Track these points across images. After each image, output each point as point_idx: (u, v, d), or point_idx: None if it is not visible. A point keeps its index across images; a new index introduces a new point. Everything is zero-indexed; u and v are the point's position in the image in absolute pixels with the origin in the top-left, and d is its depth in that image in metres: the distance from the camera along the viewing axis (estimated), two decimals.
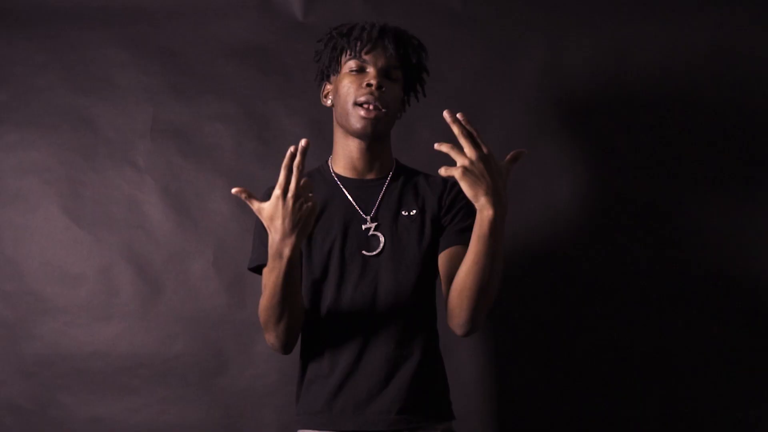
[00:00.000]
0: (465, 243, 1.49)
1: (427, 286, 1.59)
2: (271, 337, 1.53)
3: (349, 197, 1.62)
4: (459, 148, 1.39)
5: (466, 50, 2.08)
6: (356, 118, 1.56)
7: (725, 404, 1.96)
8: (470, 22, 2.09)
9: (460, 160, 1.37)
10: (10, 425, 1.97)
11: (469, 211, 1.56)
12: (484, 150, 1.38)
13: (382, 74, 1.58)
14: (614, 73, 2.06)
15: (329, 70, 1.65)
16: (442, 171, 1.38)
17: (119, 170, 2.06)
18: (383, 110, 1.56)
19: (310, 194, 1.40)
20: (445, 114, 1.37)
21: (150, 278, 2.02)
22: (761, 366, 1.97)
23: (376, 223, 1.59)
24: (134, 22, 2.10)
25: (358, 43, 1.58)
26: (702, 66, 2.06)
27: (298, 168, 1.35)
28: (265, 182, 2.04)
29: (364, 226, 1.58)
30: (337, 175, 1.65)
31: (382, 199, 1.61)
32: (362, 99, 1.56)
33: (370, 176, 1.64)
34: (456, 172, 1.37)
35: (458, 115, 1.38)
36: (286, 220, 1.36)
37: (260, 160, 2.05)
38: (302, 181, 1.37)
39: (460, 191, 1.57)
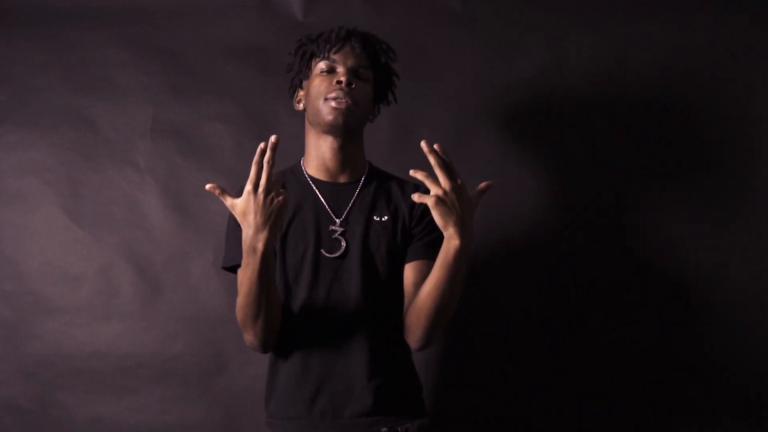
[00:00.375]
0: (431, 258, 1.53)
1: (396, 290, 1.60)
2: (249, 336, 1.53)
3: (322, 199, 1.63)
4: (434, 177, 1.42)
5: (466, 50, 2.08)
6: (327, 110, 1.58)
7: (724, 404, 1.97)
8: (470, 22, 2.09)
9: (434, 190, 1.41)
10: (10, 425, 1.97)
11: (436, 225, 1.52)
12: (458, 181, 1.41)
13: (352, 73, 1.60)
14: (614, 73, 2.06)
15: (300, 76, 1.69)
16: (416, 197, 1.42)
17: (119, 170, 2.06)
18: (353, 104, 1.58)
19: (282, 189, 1.43)
20: (423, 144, 1.40)
21: (150, 278, 2.02)
22: (760, 364, 1.98)
23: (342, 228, 1.60)
24: (134, 22, 2.10)
25: (327, 45, 1.61)
26: (702, 66, 2.06)
27: (268, 163, 1.39)
28: None
29: (331, 227, 1.60)
30: (310, 177, 1.66)
31: (354, 202, 1.63)
32: (333, 95, 1.58)
33: (343, 179, 1.65)
34: (429, 201, 1.40)
35: (435, 146, 1.41)
36: (258, 215, 1.39)
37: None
38: (273, 176, 1.41)
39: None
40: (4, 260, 2.03)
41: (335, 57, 1.61)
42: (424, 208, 1.61)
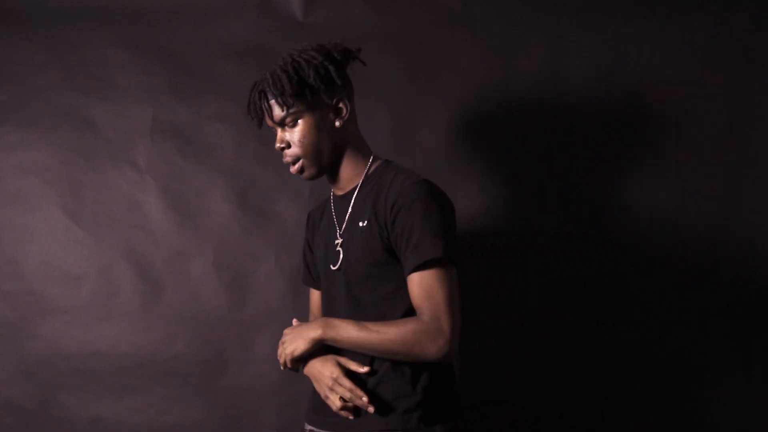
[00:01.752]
0: (416, 269, 1.47)
1: (386, 297, 1.54)
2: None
3: (333, 212, 1.67)
4: None
5: (466, 50, 2.08)
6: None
7: (724, 403, 1.97)
8: (470, 22, 2.08)
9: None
10: (11, 425, 1.97)
11: (406, 220, 1.49)
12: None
13: (282, 131, 1.61)
14: (614, 73, 2.06)
15: None
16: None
17: (119, 170, 2.06)
18: (301, 160, 1.60)
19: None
20: None
21: (150, 278, 2.02)
22: (758, 364, 1.98)
23: (342, 239, 1.61)
24: (134, 22, 2.10)
25: (253, 120, 1.65)
26: (702, 66, 2.06)
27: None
28: (265, 182, 2.05)
29: (335, 241, 1.63)
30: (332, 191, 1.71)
31: (350, 213, 1.62)
32: (284, 160, 1.63)
33: (339, 192, 1.67)
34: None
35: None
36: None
37: (260, 160, 2.05)
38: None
39: (403, 204, 1.50)
40: (5, 260, 2.04)
41: (266, 123, 1.64)
42: (399, 207, 1.50)
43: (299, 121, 1.58)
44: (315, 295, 1.80)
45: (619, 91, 2.06)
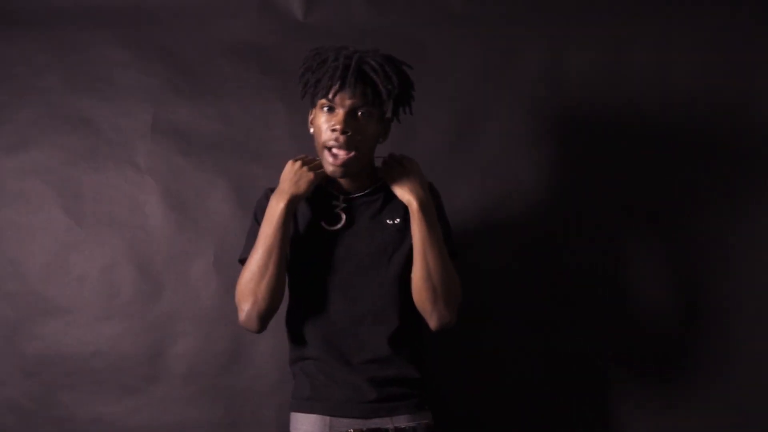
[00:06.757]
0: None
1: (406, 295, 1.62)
2: (246, 304, 1.57)
3: (335, 207, 1.67)
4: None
5: (466, 50, 2.08)
6: (327, 162, 1.60)
7: (722, 403, 1.97)
8: (470, 22, 2.08)
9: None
10: (11, 425, 1.98)
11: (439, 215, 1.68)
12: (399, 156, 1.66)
13: (350, 116, 1.56)
14: (614, 73, 2.06)
15: (308, 98, 1.65)
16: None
17: (120, 170, 2.07)
18: (351, 153, 1.57)
19: (319, 170, 1.62)
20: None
21: (151, 278, 2.03)
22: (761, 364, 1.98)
23: (345, 204, 1.66)
24: (134, 22, 2.10)
25: (324, 85, 1.56)
26: (702, 66, 2.06)
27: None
28: (265, 182, 2.04)
29: (335, 208, 1.67)
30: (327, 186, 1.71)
31: (364, 207, 1.66)
32: (330, 143, 1.57)
33: (354, 194, 1.68)
34: (379, 163, 1.66)
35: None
36: (286, 181, 1.61)
37: (260, 160, 2.05)
38: (313, 161, 1.64)
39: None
40: (6, 260, 2.04)
41: (334, 98, 1.57)
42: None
43: (370, 121, 1.59)
44: None
45: (619, 91, 2.06)
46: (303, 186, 1.59)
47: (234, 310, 1.99)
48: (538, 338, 1.99)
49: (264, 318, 1.58)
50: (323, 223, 1.64)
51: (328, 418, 1.58)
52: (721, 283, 2.00)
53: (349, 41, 1.64)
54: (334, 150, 1.57)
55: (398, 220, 1.64)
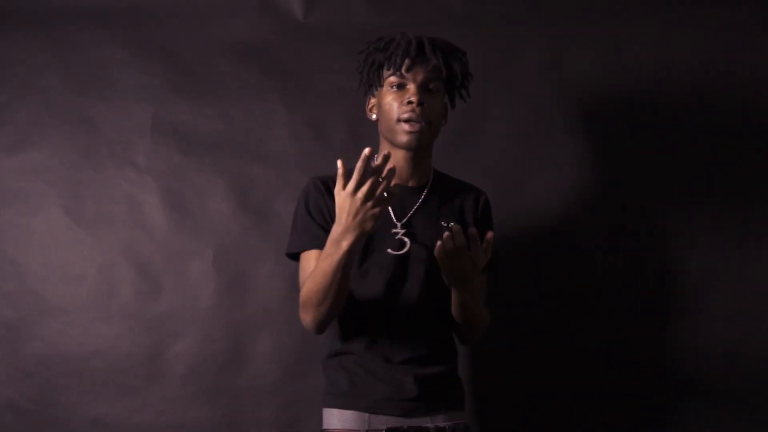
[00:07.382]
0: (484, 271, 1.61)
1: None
2: (308, 317, 1.56)
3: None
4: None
5: (466, 50, 2.07)
6: (401, 133, 1.61)
7: (722, 403, 1.97)
8: (470, 22, 2.09)
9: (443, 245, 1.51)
10: (11, 425, 1.97)
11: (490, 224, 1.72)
12: (458, 245, 1.49)
13: (422, 89, 1.61)
14: (614, 73, 2.06)
15: (371, 84, 1.68)
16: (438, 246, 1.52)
17: (120, 170, 2.06)
18: (426, 125, 1.60)
19: (385, 200, 1.44)
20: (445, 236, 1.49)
21: (150, 278, 2.02)
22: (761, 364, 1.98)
23: (404, 230, 1.64)
24: (134, 22, 2.10)
25: (397, 60, 1.61)
26: (702, 66, 2.06)
27: (373, 173, 1.41)
28: (265, 182, 2.05)
29: (393, 230, 1.64)
30: None
31: (419, 206, 1.67)
32: (405, 116, 1.60)
33: (411, 183, 1.68)
34: (437, 249, 1.52)
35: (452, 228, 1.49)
36: (350, 216, 1.43)
37: (260, 160, 2.05)
38: (383, 189, 1.42)
39: (486, 216, 1.73)
40: (5, 260, 2.03)
41: (405, 74, 1.61)
42: (482, 218, 1.71)
43: (438, 96, 1.64)
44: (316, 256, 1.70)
45: (619, 91, 2.06)
46: (368, 225, 1.43)
47: (233, 309, 2.01)
48: (538, 338, 1.99)
49: (322, 329, 1.59)
50: (389, 250, 1.63)
51: (366, 415, 1.56)
52: (722, 283, 2.00)
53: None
54: (411, 122, 1.60)
55: (453, 222, 1.63)
